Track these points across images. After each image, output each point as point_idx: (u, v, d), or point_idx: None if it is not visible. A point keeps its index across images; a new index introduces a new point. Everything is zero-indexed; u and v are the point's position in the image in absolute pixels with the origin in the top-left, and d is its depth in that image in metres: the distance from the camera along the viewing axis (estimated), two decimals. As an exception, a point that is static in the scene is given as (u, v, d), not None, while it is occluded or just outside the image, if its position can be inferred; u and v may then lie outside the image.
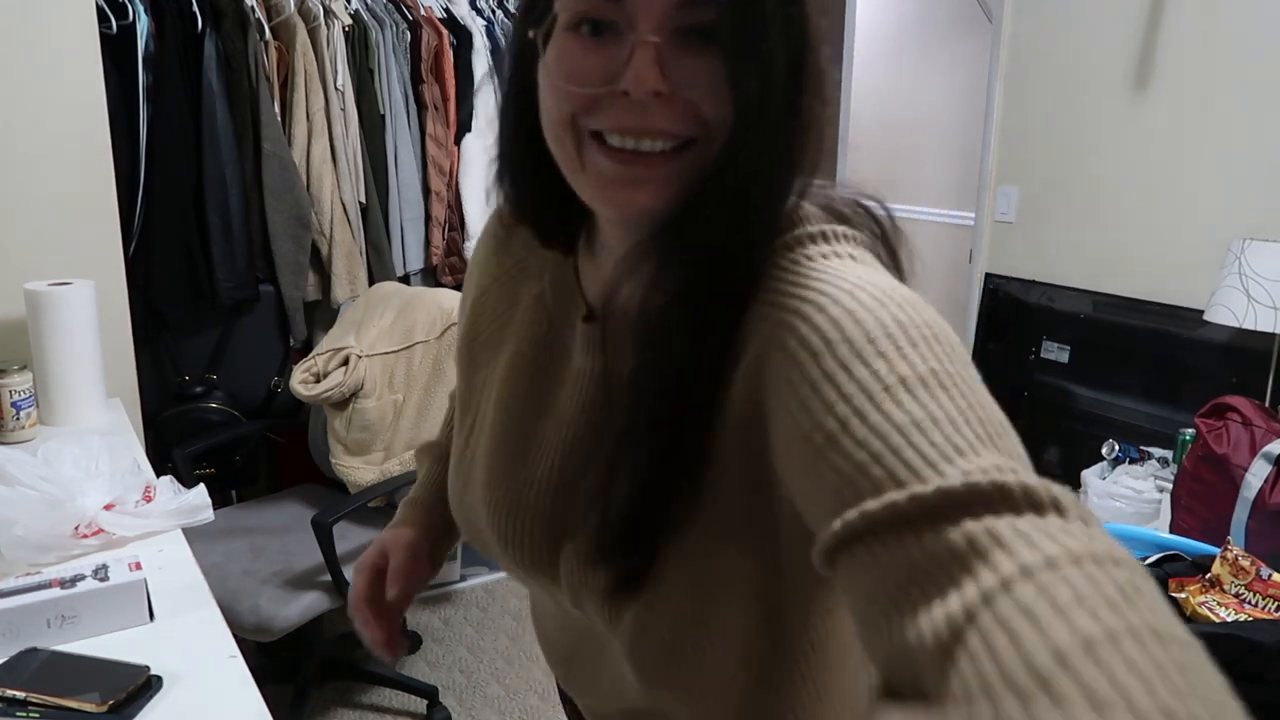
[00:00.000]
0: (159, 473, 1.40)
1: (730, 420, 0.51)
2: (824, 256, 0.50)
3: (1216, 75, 2.34)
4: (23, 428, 1.56)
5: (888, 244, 0.56)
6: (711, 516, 0.52)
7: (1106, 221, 2.63)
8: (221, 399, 2.30)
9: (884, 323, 0.44)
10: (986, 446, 0.39)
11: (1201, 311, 2.19)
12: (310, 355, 2.14)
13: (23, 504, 1.15)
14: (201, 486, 1.29)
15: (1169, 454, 2.31)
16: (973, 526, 0.35)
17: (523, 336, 0.65)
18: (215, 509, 1.30)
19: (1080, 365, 2.74)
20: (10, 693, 0.88)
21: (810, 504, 0.43)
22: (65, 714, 0.87)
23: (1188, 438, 2.04)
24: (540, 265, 0.66)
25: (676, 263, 0.51)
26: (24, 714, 0.87)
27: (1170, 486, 2.05)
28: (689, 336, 0.51)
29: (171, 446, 2.09)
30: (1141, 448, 2.37)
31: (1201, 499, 1.86)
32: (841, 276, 0.48)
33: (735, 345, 0.50)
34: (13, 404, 1.54)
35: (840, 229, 0.53)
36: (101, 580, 1.03)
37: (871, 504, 0.38)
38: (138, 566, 1.07)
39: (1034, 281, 2.84)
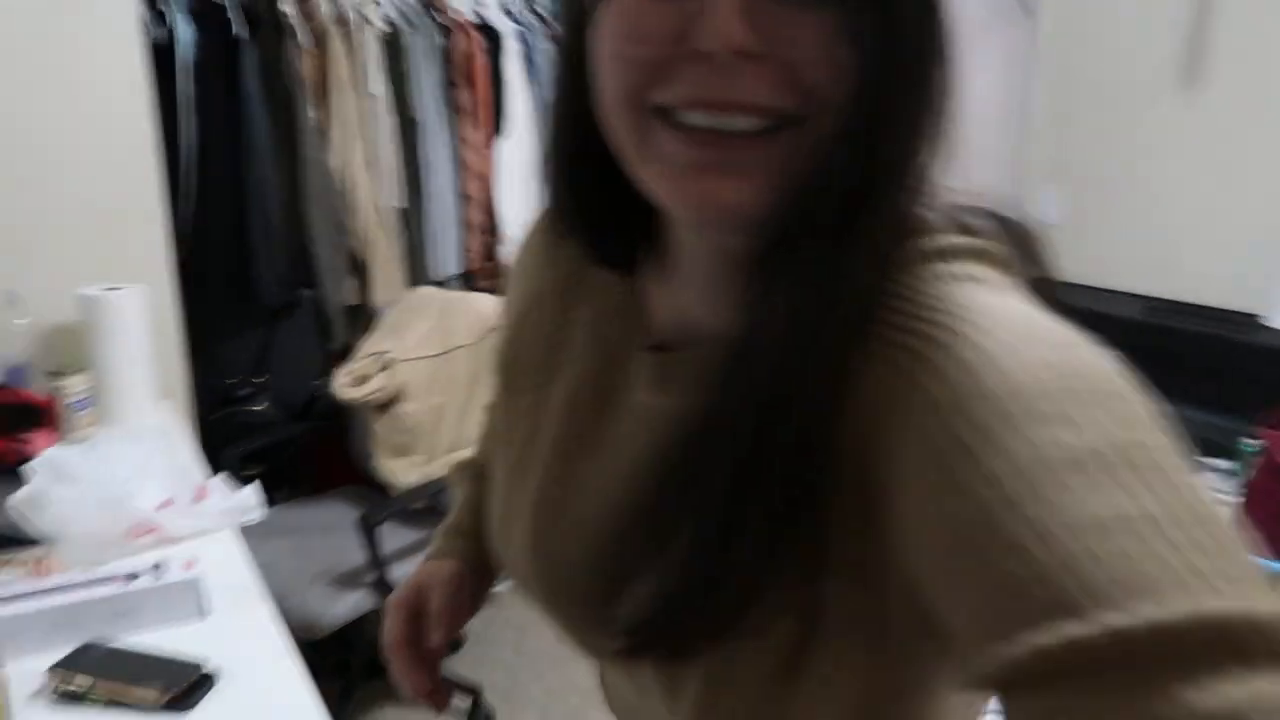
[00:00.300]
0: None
1: (832, 482, 0.40)
2: (938, 279, 0.39)
3: (1273, 65, 2.28)
4: (81, 429, 1.60)
5: (1034, 267, 0.43)
6: (799, 592, 0.41)
7: (1155, 223, 2.58)
8: (266, 402, 2.34)
9: (1036, 371, 0.33)
10: (1213, 562, 0.27)
11: (1256, 316, 2.14)
12: (351, 359, 2.17)
13: (82, 503, 1.18)
14: (253, 485, 1.32)
15: (1229, 464, 2.23)
16: (1202, 700, 0.25)
17: (579, 369, 0.55)
18: (263, 509, 1.33)
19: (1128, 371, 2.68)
20: (75, 682, 0.90)
21: (950, 609, 0.33)
22: (126, 706, 0.90)
23: (1249, 448, 1.97)
24: (596, 283, 0.55)
25: (776, 280, 0.40)
26: (87, 701, 0.90)
27: (1229, 499, 1.99)
28: (792, 371, 0.39)
29: (219, 448, 2.13)
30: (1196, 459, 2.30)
31: (1269, 512, 1.80)
32: (965, 307, 0.37)
33: (844, 388, 0.39)
34: (72, 405, 1.58)
35: (963, 243, 0.41)
36: (157, 577, 1.06)
37: (1046, 640, 0.28)
38: (192, 564, 1.09)
39: (1078, 285, 2.79)
